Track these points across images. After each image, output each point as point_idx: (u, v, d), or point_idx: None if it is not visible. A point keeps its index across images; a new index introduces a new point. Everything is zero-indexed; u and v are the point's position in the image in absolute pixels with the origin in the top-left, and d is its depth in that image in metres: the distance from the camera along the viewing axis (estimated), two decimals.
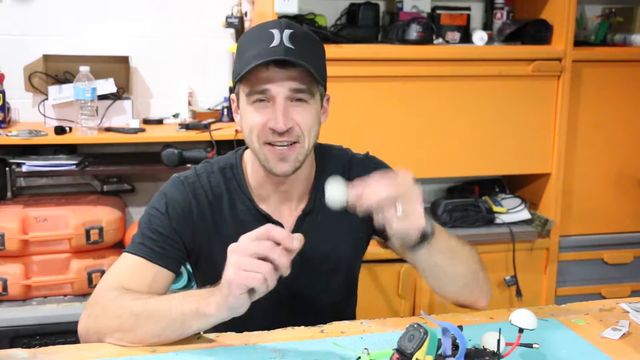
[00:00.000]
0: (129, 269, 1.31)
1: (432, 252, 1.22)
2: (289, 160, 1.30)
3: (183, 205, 1.37)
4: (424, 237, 1.19)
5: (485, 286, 1.37)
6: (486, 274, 1.37)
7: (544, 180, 2.89)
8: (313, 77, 1.29)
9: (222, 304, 1.13)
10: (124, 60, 2.82)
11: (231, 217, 1.38)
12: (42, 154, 2.61)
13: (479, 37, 2.76)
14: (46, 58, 2.74)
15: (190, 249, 1.38)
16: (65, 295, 2.57)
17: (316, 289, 1.44)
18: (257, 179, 1.39)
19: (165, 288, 1.33)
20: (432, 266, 1.27)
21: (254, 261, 1.08)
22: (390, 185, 1.11)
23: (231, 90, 2.85)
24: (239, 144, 2.28)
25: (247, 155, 1.43)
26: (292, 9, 2.50)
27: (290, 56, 1.24)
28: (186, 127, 2.70)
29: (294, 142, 1.29)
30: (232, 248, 1.12)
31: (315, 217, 1.42)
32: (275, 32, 1.26)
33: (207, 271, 1.39)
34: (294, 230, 1.41)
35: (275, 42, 1.25)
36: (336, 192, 1.11)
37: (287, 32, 1.26)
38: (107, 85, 2.69)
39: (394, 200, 1.11)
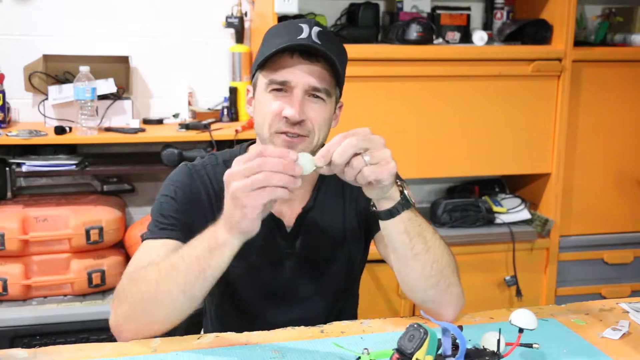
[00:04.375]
0: (146, 252, 1.31)
1: (407, 227, 1.20)
2: (296, 150, 1.30)
3: (192, 190, 1.37)
4: (402, 202, 1.18)
5: (455, 294, 1.29)
6: (459, 283, 1.31)
7: (544, 180, 2.89)
8: (332, 77, 1.31)
9: (234, 229, 1.11)
10: (124, 60, 2.82)
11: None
12: (42, 154, 2.61)
13: (479, 37, 2.76)
14: (46, 58, 2.74)
15: (202, 231, 1.37)
16: (65, 295, 2.57)
17: (316, 287, 1.44)
18: None
19: None
20: (406, 247, 1.21)
21: (259, 177, 1.06)
22: (351, 140, 1.10)
23: (231, 90, 2.87)
24: (239, 144, 2.28)
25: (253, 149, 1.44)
26: (292, 9, 2.50)
27: (315, 49, 1.26)
28: (186, 127, 2.70)
29: (304, 136, 1.30)
30: (228, 174, 1.10)
31: (315, 216, 1.42)
32: (305, 26, 1.29)
33: None
34: (294, 228, 1.41)
35: (304, 35, 1.27)
36: (305, 160, 1.11)
37: (315, 29, 1.29)
38: (107, 85, 2.69)
39: (359, 150, 1.10)
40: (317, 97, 1.30)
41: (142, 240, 1.35)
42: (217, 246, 1.13)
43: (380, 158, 1.11)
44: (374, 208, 1.21)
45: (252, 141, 1.46)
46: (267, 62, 1.30)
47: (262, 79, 1.32)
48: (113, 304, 1.24)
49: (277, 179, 1.06)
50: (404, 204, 1.19)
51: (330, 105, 1.33)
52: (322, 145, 1.35)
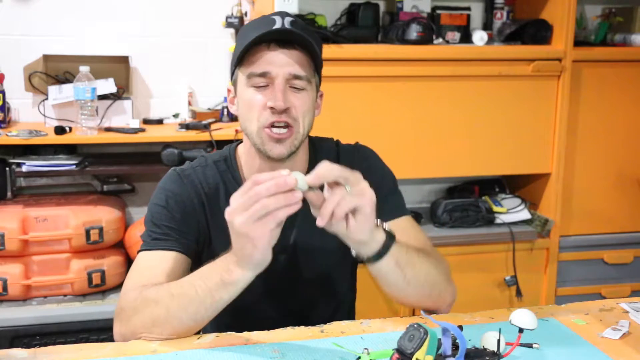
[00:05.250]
0: (145, 266, 1.32)
1: (398, 260, 1.21)
2: (284, 144, 1.31)
3: (182, 197, 1.38)
4: (387, 238, 1.18)
5: (449, 293, 1.34)
6: (451, 282, 1.35)
7: (544, 180, 2.89)
8: (311, 63, 1.31)
9: (247, 264, 1.12)
10: (124, 60, 2.82)
11: (227, 207, 1.39)
12: (42, 154, 2.61)
13: (479, 37, 2.76)
14: (46, 58, 2.74)
15: (197, 237, 1.39)
16: (65, 295, 2.57)
17: (311, 280, 1.44)
18: (252, 170, 1.41)
19: (184, 274, 1.32)
20: (399, 278, 1.24)
21: (257, 207, 1.06)
22: (336, 167, 1.10)
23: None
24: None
25: (242, 148, 1.45)
26: (292, 9, 2.50)
27: (291, 35, 1.27)
28: (186, 127, 2.70)
29: (290, 126, 1.31)
30: (229, 212, 1.10)
31: (308, 207, 1.42)
32: (277, 18, 1.29)
33: (209, 261, 1.39)
34: (288, 221, 1.41)
35: (277, 26, 1.28)
36: (298, 177, 1.11)
37: (288, 19, 1.30)
38: (107, 85, 2.69)
39: (340, 179, 1.10)
40: (298, 84, 1.31)
41: (138, 252, 1.36)
42: (230, 281, 1.15)
43: (360, 188, 1.11)
44: (359, 257, 1.20)
45: (240, 141, 1.46)
46: (244, 56, 1.31)
47: (241, 75, 1.33)
48: (119, 317, 1.25)
49: (275, 202, 1.06)
50: (389, 238, 1.19)
51: (312, 92, 1.34)
52: (308, 133, 1.37)
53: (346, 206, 1.10)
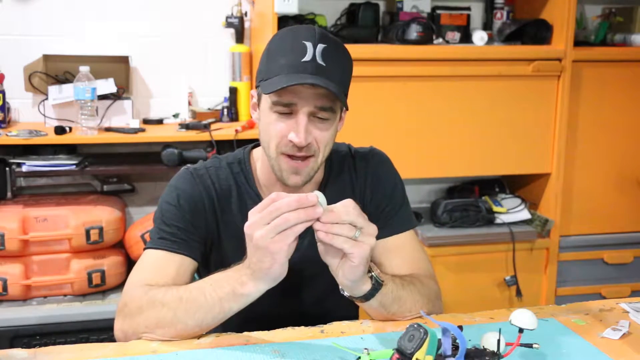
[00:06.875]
0: (152, 265, 1.32)
1: (382, 301, 1.24)
2: (301, 174, 1.32)
3: (194, 196, 1.38)
4: (372, 290, 1.20)
5: (437, 310, 1.37)
6: (438, 300, 1.39)
7: (544, 180, 2.89)
8: (337, 97, 1.29)
9: (263, 277, 1.12)
10: (124, 60, 2.82)
11: (239, 210, 1.40)
12: (42, 154, 2.60)
13: (479, 37, 2.76)
14: (46, 58, 2.74)
15: (205, 238, 1.38)
16: (65, 295, 2.57)
17: (317, 285, 1.44)
18: (268, 178, 1.41)
19: (190, 278, 1.33)
20: (383, 311, 1.27)
21: (279, 221, 1.08)
22: (353, 213, 1.12)
23: (231, 90, 2.86)
24: (239, 144, 2.28)
25: (257, 153, 1.45)
26: (292, 9, 2.50)
27: (320, 75, 1.24)
28: (186, 127, 2.70)
29: (309, 156, 1.31)
30: (248, 226, 1.10)
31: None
32: (309, 45, 1.25)
33: (217, 262, 1.40)
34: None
35: (308, 57, 1.25)
36: (318, 195, 1.12)
37: (320, 47, 1.26)
38: (107, 85, 2.69)
39: (356, 223, 1.11)
40: (323, 116, 1.29)
41: (145, 249, 1.35)
42: (242, 293, 1.15)
43: (366, 236, 1.13)
44: (345, 293, 1.22)
45: (256, 144, 1.46)
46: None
47: (266, 97, 1.30)
48: (122, 313, 1.25)
49: (296, 216, 1.08)
50: (375, 288, 1.21)
51: (335, 120, 1.33)
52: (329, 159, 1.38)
53: (341, 244, 1.11)
